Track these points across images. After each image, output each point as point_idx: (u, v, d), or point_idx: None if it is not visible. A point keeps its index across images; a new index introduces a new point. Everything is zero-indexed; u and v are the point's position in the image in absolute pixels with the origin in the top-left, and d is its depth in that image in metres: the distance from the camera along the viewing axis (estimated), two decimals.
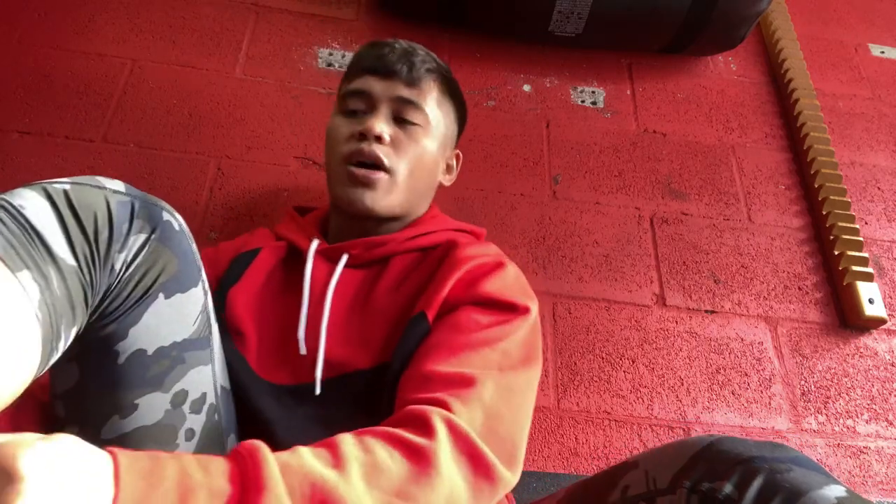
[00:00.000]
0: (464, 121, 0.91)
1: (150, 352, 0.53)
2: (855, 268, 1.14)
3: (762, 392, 1.05)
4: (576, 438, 0.97)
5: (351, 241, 0.77)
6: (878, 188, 1.31)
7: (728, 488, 0.45)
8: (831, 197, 1.22)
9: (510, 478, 0.54)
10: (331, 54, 1.28)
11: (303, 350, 0.69)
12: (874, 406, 1.06)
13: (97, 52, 1.20)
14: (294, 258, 0.79)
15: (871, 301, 1.12)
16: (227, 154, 1.14)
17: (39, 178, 1.09)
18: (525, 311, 0.68)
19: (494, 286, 0.69)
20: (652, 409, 1.01)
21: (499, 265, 0.73)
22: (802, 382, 1.07)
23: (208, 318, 0.60)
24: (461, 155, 0.92)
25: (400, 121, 0.78)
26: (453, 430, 0.53)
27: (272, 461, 0.43)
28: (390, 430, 0.51)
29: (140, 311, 0.52)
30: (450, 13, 1.32)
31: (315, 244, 0.77)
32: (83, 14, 1.25)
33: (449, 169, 0.90)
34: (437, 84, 0.81)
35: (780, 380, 1.06)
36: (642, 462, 0.55)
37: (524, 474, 0.91)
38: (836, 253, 1.17)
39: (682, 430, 1.00)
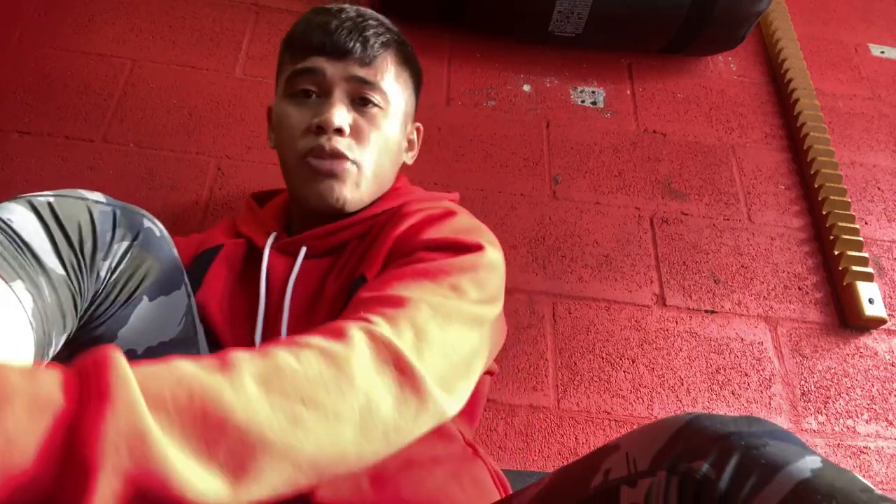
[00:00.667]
0: (420, 87, 0.82)
1: (139, 352, 0.55)
2: (855, 268, 1.14)
3: (762, 392, 1.05)
4: (576, 438, 0.97)
5: (307, 232, 0.71)
6: (878, 188, 1.31)
7: (705, 467, 0.45)
8: (831, 197, 1.22)
9: (444, 400, 0.48)
10: None
11: None
12: (874, 406, 1.06)
13: (97, 52, 1.20)
14: (254, 255, 0.74)
15: (871, 301, 1.12)
16: (227, 154, 1.14)
17: (39, 179, 1.09)
18: (477, 247, 0.61)
19: (441, 232, 0.63)
20: (652, 409, 1.01)
21: (448, 213, 0.67)
22: (802, 382, 1.07)
23: (193, 319, 0.61)
24: (421, 128, 0.85)
25: (358, 103, 0.70)
26: (373, 337, 0.46)
27: (124, 364, 0.34)
28: (294, 337, 0.45)
29: (126, 313, 0.53)
30: (450, 13, 1.32)
31: (271, 240, 0.71)
32: (83, 14, 1.25)
33: (411, 145, 0.82)
34: (394, 57, 0.73)
35: (780, 380, 1.06)
36: (623, 444, 0.55)
37: (524, 474, 0.91)
38: (836, 253, 1.17)
39: None
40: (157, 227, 0.56)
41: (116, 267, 0.51)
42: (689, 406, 1.02)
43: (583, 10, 1.24)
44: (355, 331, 0.46)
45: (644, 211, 1.20)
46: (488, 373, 0.79)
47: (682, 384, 1.04)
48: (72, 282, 0.48)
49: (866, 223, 1.26)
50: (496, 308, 0.61)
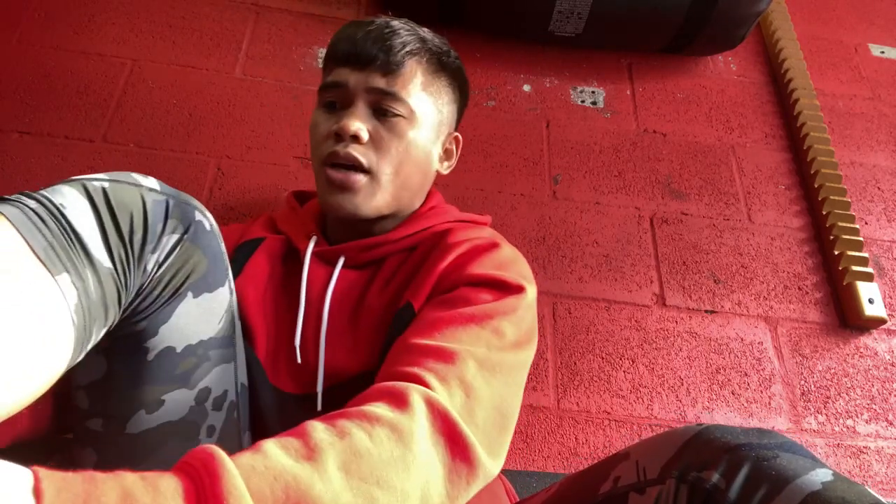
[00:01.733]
0: (465, 97, 0.83)
1: (178, 349, 0.54)
2: (855, 268, 1.14)
3: (762, 392, 1.04)
4: (576, 438, 0.97)
5: (346, 243, 0.73)
6: (878, 188, 1.31)
7: (715, 477, 0.45)
8: (831, 197, 1.22)
9: (491, 465, 0.51)
10: None
11: (299, 359, 0.66)
12: (874, 406, 1.06)
13: (97, 52, 1.20)
14: (293, 255, 0.76)
15: (871, 301, 1.12)
16: (227, 154, 1.14)
17: (39, 179, 1.09)
18: (519, 289, 0.64)
19: (486, 266, 0.65)
20: (652, 409, 1.01)
21: (493, 245, 0.69)
22: (802, 382, 1.07)
23: (232, 317, 0.60)
24: (461, 138, 0.83)
25: (381, 112, 0.70)
26: (432, 406, 0.49)
27: (232, 469, 0.37)
28: (363, 408, 0.47)
29: (170, 309, 0.52)
30: (450, 13, 1.32)
31: (312, 245, 0.73)
32: (83, 14, 1.25)
33: (448, 154, 0.81)
34: (423, 66, 0.73)
35: (780, 380, 1.06)
36: (633, 452, 0.55)
37: (524, 474, 0.92)
38: (836, 253, 1.17)
39: None
40: (207, 221, 0.54)
41: (164, 261, 0.50)
42: (688, 406, 1.02)
43: (583, 10, 1.24)
44: (416, 398, 0.48)
45: (644, 211, 1.20)
46: None
47: (682, 384, 1.04)
48: (118, 275, 0.46)
49: (866, 223, 1.26)
50: (532, 347, 0.64)
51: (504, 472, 0.91)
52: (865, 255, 1.16)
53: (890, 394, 1.08)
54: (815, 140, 1.29)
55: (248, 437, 0.64)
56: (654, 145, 1.29)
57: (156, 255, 0.49)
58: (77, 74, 1.17)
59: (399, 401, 0.48)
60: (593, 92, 1.34)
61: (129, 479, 0.35)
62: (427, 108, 0.73)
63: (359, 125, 0.68)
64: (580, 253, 1.14)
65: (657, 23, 1.28)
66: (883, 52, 1.53)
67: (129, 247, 0.47)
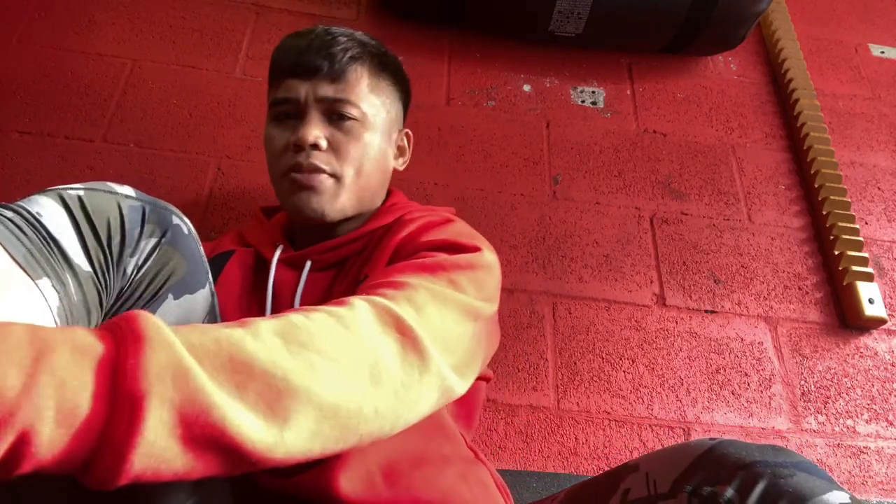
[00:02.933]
0: (408, 95, 0.85)
1: None
2: (855, 268, 1.14)
3: (762, 392, 1.05)
4: (576, 438, 0.97)
5: (311, 247, 0.74)
6: (878, 188, 1.31)
7: (729, 493, 0.45)
8: (831, 197, 1.22)
9: (445, 365, 0.51)
10: None
11: None
12: (874, 406, 1.06)
13: (97, 52, 1.20)
14: (262, 265, 0.77)
15: (871, 301, 1.12)
16: (227, 154, 1.14)
17: (39, 178, 1.09)
18: (475, 248, 0.65)
19: (440, 234, 0.66)
20: (652, 409, 1.01)
21: (447, 220, 0.70)
22: (802, 382, 1.07)
23: (215, 319, 0.60)
24: (411, 133, 0.87)
25: (334, 118, 0.73)
26: (374, 305, 0.49)
27: (152, 316, 0.37)
28: (303, 307, 0.48)
29: (151, 311, 0.53)
30: (450, 13, 1.32)
31: (278, 253, 0.74)
32: (83, 14, 1.25)
33: (401, 151, 0.84)
34: (367, 69, 0.75)
35: (780, 380, 1.06)
36: (643, 464, 0.55)
37: (524, 474, 0.92)
38: (836, 253, 1.17)
39: (682, 430, 1.00)
40: (185, 224, 0.55)
41: (143, 264, 0.51)
42: (688, 406, 1.02)
43: (583, 10, 1.24)
44: (357, 300, 0.49)
45: (644, 211, 1.20)
46: (484, 378, 0.79)
47: (682, 384, 1.04)
48: (98, 279, 0.47)
49: (866, 223, 1.26)
50: (492, 307, 0.64)
51: (504, 472, 0.91)
52: (865, 255, 1.16)
53: (890, 394, 1.08)
54: (815, 140, 1.29)
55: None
56: (654, 145, 1.29)
57: (135, 259, 0.50)
58: (77, 74, 1.17)
59: (340, 303, 0.49)
60: (593, 92, 1.34)
61: (46, 328, 0.34)
62: (376, 108, 0.76)
63: (317, 133, 0.71)
64: (580, 253, 1.14)
65: (657, 23, 1.28)
66: (883, 52, 1.53)
67: (107, 251, 0.48)
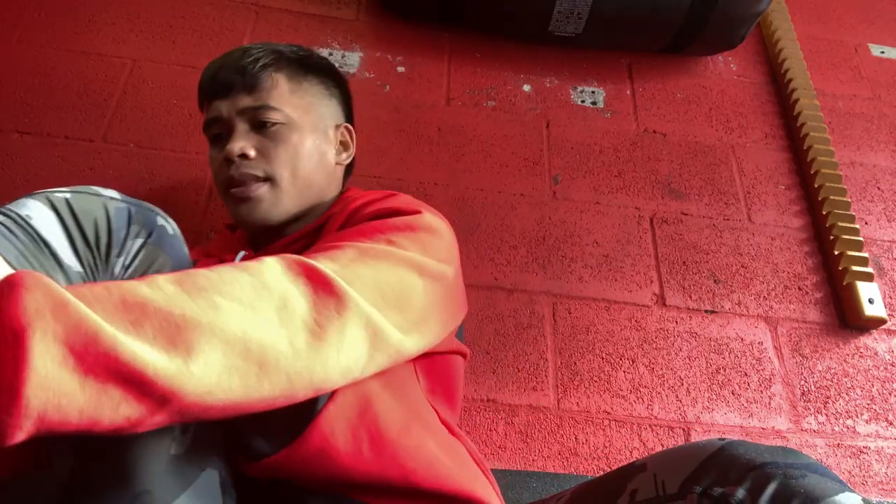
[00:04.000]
0: (343, 91, 0.86)
1: None
2: (855, 268, 1.14)
3: (762, 392, 1.05)
4: (576, 438, 0.97)
5: (267, 246, 0.76)
6: (878, 188, 1.31)
7: (740, 493, 0.45)
8: (831, 197, 1.22)
9: (369, 309, 0.50)
10: (331, 54, 1.28)
11: None
12: (874, 406, 1.06)
13: (97, 52, 1.20)
14: None
15: (871, 301, 1.12)
16: None
17: (39, 179, 1.09)
18: (414, 211, 0.64)
19: (381, 204, 0.67)
20: (652, 409, 1.01)
21: (390, 194, 0.71)
22: (802, 382, 1.07)
23: None
24: (351, 128, 0.86)
25: (260, 126, 0.75)
26: (286, 259, 0.49)
27: (38, 274, 0.36)
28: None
29: None
30: (450, 13, 1.32)
31: (239, 257, 0.75)
32: (83, 14, 1.25)
33: (344, 146, 0.85)
34: (283, 74, 0.77)
35: (780, 380, 1.06)
36: (650, 465, 0.55)
37: (524, 474, 0.92)
38: (836, 253, 1.17)
39: (682, 430, 1.00)
40: (170, 225, 0.57)
41: (130, 263, 0.52)
42: (688, 406, 1.02)
43: (583, 10, 1.24)
44: (268, 258, 0.49)
45: (644, 211, 1.20)
46: (458, 353, 0.78)
47: (682, 384, 1.04)
48: (88, 278, 0.48)
49: (866, 223, 1.26)
50: (444, 267, 0.62)
51: (504, 472, 0.91)
52: (865, 255, 1.16)
53: (890, 394, 1.08)
54: (815, 140, 1.29)
55: (219, 435, 0.64)
56: (654, 145, 1.29)
57: (122, 259, 0.51)
58: (77, 74, 1.17)
59: (254, 260, 0.49)
60: (593, 92, 1.34)
61: None
62: (302, 110, 0.77)
63: (241, 143, 0.73)
64: (580, 253, 1.14)
65: (657, 23, 1.28)
66: (883, 52, 1.53)
67: (95, 251, 0.49)
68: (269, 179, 0.74)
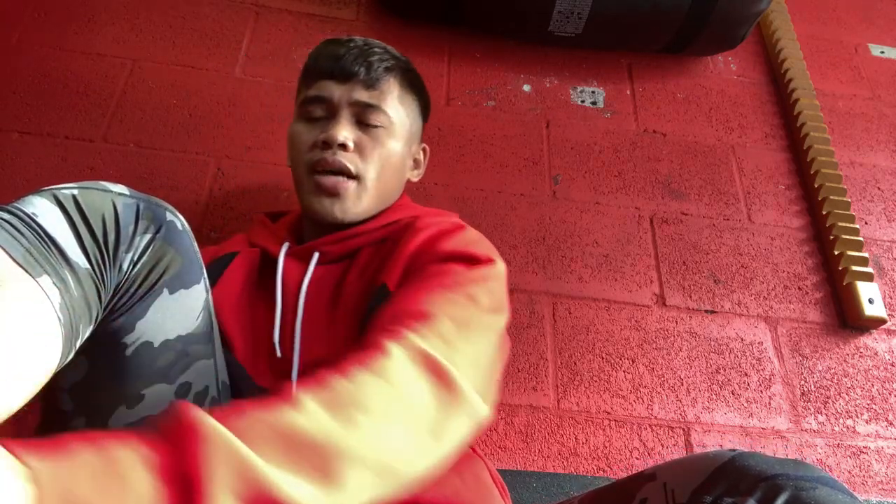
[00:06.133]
0: (427, 112, 0.89)
1: (156, 344, 0.55)
2: (855, 268, 1.14)
3: (762, 392, 1.05)
4: (576, 438, 0.97)
5: (317, 239, 0.76)
6: (878, 188, 1.31)
7: None
8: (831, 197, 1.22)
9: (476, 398, 0.52)
10: None
11: (279, 353, 0.68)
12: (874, 406, 1.06)
13: (97, 52, 1.20)
14: (268, 263, 0.79)
15: (870, 301, 1.12)
16: (227, 154, 1.14)
17: (39, 178, 1.09)
18: (488, 261, 0.67)
19: (455, 243, 0.68)
20: (652, 409, 1.01)
21: (459, 227, 0.73)
22: (802, 382, 1.07)
23: (210, 315, 0.61)
24: (427, 149, 0.90)
25: (363, 124, 0.76)
26: (409, 346, 0.51)
27: (199, 411, 0.39)
28: (340, 364, 0.50)
29: (146, 305, 0.53)
30: (450, 13, 1.32)
31: (285, 248, 0.76)
32: (83, 14, 1.25)
33: (416, 164, 0.88)
34: (398, 81, 0.80)
35: (780, 380, 1.06)
36: (660, 474, 0.55)
37: (524, 474, 0.92)
38: (836, 253, 1.17)
39: (681, 430, 1.00)
40: (179, 221, 0.56)
41: (138, 259, 0.52)
42: (688, 406, 1.02)
43: (583, 10, 1.24)
44: (389, 343, 0.51)
45: (644, 211, 1.20)
46: None
47: (682, 384, 1.04)
48: (96, 275, 0.48)
49: (866, 223, 1.26)
50: (505, 316, 0.66)
51: (504, 472, 0.91)
52: (865, 255, 1.16)
53: (890, 394, 1.08)
54: (815, 140, 1.29)
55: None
56: (654, 145, 1.29)
57: (130, 255, 0.51)
58: (77, 74, 1.17)
59: (372, 347, 0.50)
60: (593, 92, 1.34)
61: (107, 445, 0.36)
62: (402, 119, 0.80)
63: (346, 134, 0.74)
64: (580, 253, 1.14)
65: (657, 23, 1.28)
66: (883, 52, 1.53)
67: (103, 247, 0.49)
68: (357, 178, 0.75)
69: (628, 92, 1.36)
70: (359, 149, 0.75)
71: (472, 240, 0.71)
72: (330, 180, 0.74)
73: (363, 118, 0.76)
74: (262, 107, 1.20)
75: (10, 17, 1.21)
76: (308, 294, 0.71)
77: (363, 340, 0.56)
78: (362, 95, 0.76)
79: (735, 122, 1.35)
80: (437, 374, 0.50)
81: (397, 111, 0.79)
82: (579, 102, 1.32)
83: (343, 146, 0.74)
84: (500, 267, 0.69)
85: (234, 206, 1.09)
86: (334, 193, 0.74)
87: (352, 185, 0.75)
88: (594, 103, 1.33)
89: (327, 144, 0.74)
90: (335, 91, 0.76)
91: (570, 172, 1.23)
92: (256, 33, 1.29)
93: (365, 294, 0.69)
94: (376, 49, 0.79)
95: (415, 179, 0.88)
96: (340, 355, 0.64)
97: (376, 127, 0.76)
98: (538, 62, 1.36)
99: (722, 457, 0.51)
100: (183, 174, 1.10)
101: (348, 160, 0.74)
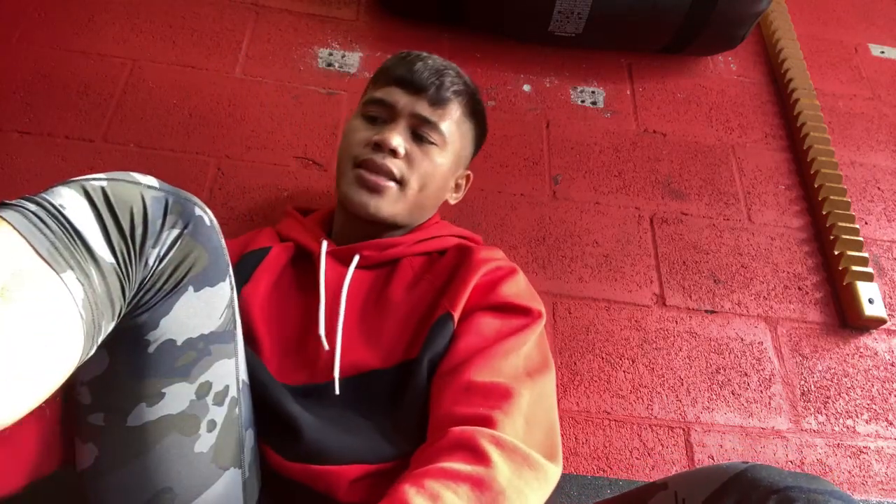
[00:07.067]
0: (481, 142, 0.92)
1: (178, 342, 0.54)
2: (855, 268, 1.14)
3: (762, 392, 1.05)
4: (576, 438, 0.97)
5: (362, 242, 0.79)
6: (878, 188, 1.31)
7: None
8: (831, 197, 1.22)
9: (555, 469, 0.60)
10: (331, 54, 1.28)
11: (326, 346, 0.71)
12: (874, 406, 1.06)
13: (97, 52, 1.20)
14: (303, 259, 0.81)
15: (870, 301, 1.12)
16: (227, 154, 1.14)
17: (40, 179, 1.09)
18: (539, 315, 0.73)
19: (510, 291, 0.74)
20: (652, 409, 1.01)
21: (512, 271, 0.78)
22: (802, 382, 1.07)
23: (233, 313, 0.61)
24: (471, 175, 0.93)
25: (417, 136, 0.79)
26: (503, 447, 0.57)
27: None
28: (446, 466, 0.54)
29: (171, 302, 0.52)
30: (450, 13, 1.32)
31: (325, 245, 0.78)
32: (83, 14, 1.25)
33: (457, 188, 0.91)
34: (462, 105, 0.83)
35: (780, 380, 1.06)
36: (672, 484, 0.55)
37: None
38: (836, 253, 1.17)
39: (681, 430, 1.00)
40: (207, 216, 0.55)
41: (165, 255, 0.51)
42: (688, 406, 1.02)
43: (583, 10, 1.24)
44: (488, 446, 0.57)
45: (644, 211, 1.20)
46: None
47: (682, 384, 1.04)
48: (121, 269, 0.47)
49: (866, 223, 1.26)
50: (553, 364, 0.73)
51: None
52: (865, 255, 1.16)
53: (890, 394, 1.08)
54: (815, 140, 1.29)
55: (250, 434, 0.65)
56: (654, 145, 1.29)
57: (157, 250, 0.50)
58: (77, 74, 1.17)
59: (474, 451, 0.56)
60: (593, 92, 1.34)
61: None
62: (455, 141, 0.83)
63: (400, 141, 0.77)
64: (580, 253, 1.14)
65: (657, 23, 1.28)
66: (883, 52, 1.53)
67: (129, 242, 0.48)
68: (400, 182, 0.78)
69: (628, 92, 1.36)
70: (408, 158, 0.78)
71: (524, 287, 0.77)
72: (373, 177, 0.77)
73: (419, 131, 0.79)
74: (262, 107, 1.20)
75: (10, 16, 1.21)
76: (348, 295, 0.74)
77: (451, 413, 0.63)
78: (425, 110, 0.79)
79: (735, 122, 1.35)
80: (531, 465, 0.58)
81: (453, 133, 0.82)
82: (579, 102, 1.32)
83: (394, 152, 0.77)
84: (544, 320, 0.75)
85: (234, 206, 1.09)
86: (375, 190, 0.77)
87: (394, 187, 0.78)
88: (594, 103, 1.33)
89: (379, 146, 0.77)
90: (401, 99, 0.79)
91: (570, 172, 1.23)
92: (256, 33, 1.29)
93: (417, 310, 0.74)
94: (450, 71, 0.83)
95: (452, 202, 0.91)
96: (383, 363, 0.71)
97: (430, 143, 0.80)
98: (538, 62, 1.36)
99: (735, 468, 0.51)
100: (183, 174, 1.10)
101: (395, 165, 0.77)
